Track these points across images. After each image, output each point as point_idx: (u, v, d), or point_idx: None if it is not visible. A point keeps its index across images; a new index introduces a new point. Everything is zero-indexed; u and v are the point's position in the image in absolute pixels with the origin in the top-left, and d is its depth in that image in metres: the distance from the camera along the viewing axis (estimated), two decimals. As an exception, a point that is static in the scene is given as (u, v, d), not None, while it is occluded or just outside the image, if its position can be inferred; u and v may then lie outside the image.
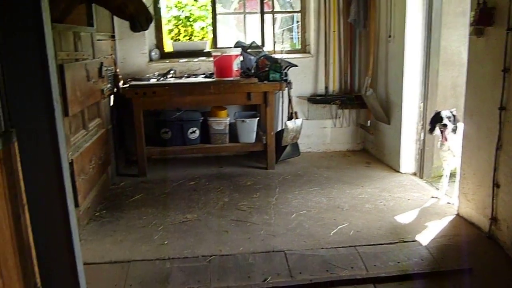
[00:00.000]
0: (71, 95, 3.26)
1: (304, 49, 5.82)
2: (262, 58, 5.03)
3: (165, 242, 3.29)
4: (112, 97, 4.77)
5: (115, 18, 4.93)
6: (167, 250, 3.17)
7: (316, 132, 5.74)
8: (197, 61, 5.54)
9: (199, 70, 5.48)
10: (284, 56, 5.43)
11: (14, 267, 2.16)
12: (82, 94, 3.54)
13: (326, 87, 5.61)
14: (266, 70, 4.89)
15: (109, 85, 4.54)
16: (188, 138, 5.10)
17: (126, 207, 4.02)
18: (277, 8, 6.31)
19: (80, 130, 3.66)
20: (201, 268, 2.93)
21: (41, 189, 2.21)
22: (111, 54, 4.95)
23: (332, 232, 3.41)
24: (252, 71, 5.01)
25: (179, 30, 6.46)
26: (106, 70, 4.42)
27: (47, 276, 2.37)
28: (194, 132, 5.08)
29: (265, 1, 5.68)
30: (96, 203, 3.96)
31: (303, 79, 5.56)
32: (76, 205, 3.20)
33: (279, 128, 5.30)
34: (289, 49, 6.01)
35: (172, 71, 5.23)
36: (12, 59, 2.07)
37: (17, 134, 2.16)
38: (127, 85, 4.77)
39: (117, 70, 4.98)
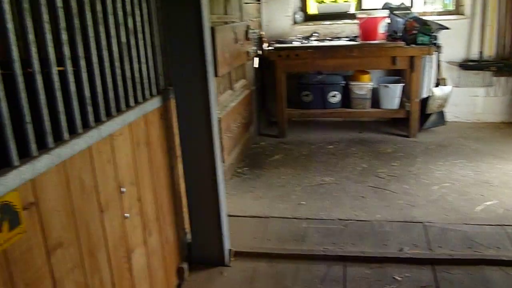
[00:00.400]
0: (221, 56, 3.43)
1: (457, 10, 5.37)
2: (410, 20, 4.76)
3: (302, 202, 3.38)
4: (256, 59, 4.92)
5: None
6: (304, 210, 3.25)
7: (465, 100, 5.33)
8: (341, 24, 5.43)
9: (343, 33, 5.37)
10: (435, 18, 5.07)
11: (168, 212, 2.40)
12: (230, 56, 3.71)
13: (481, 52, 5.13)
14: (414, 33, 4.62)
15: (254, 48, 4.68)
16: (329, 102, 5.08)
17: (266, 165, 4.18)
18: (430, -35, 5.88)
19: (227, 90, 3.86)
20: (337, 231, 2.96)
21: (192, 143, 2.40)
22: (257, 17, 5.08)
23: (478, 208, 3.19)
24: (399, 34, 4.78)
25: (324, -8, 6.37)
26: (252, 32, 4.55)
27: (195, 223, 2.60)
28: (335, 96, 5.04)
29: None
30: (238, 160, 4.19)
31: (455, 43, 5.15)
32: (221, 160, 3.41)
33: (425, 95, 5.02)
34: (440, 10, 5.59)
35: (315, 34, 5.21)
36: (172, 23, 2.23)
37: (174, 92, 2.35)
38: (271, 48, 4.87)
39: (262, 33, 5.10)
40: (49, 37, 1.42)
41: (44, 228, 1.34)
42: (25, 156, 1.31)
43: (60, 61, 1.49)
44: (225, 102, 3.74)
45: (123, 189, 1.85)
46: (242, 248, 2.74)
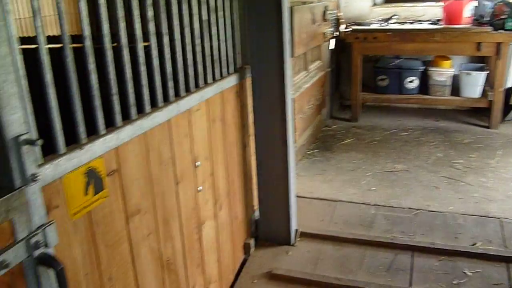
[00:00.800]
0: (297, 37, 3.41)
1: (555, -6, 4.98)
2: (500, 3, 4.47)
3: (372, 189, 3.33)
4: (333, 40, 4.84)
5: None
6: (374, 197, 3.21)
7: (557, 92, 4.97)
8: (423, 6, 5.21)
9: (424, 16, 5.16)
10: (528, 1, 4.74)
11: (238, 188, 2.45)
12: (306, 36, 3.68)
13: None
14: (503, 17, 4.34)
15: (331, 29, 4.61)
16: (405, 87, 4.92)
17: (337, 149, 4.15)
18: None
19: (301, 71, 3.85)
20: (406, 220, 2.90)
21: (266, 123, 2.42)
22: (335, -2, 4.99)
23: (562, 207, 3.00)
24: (486, 18, 4.51)
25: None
26: (330, 13, 4.48)
27: (263, 201, 2.64)
28: (412, 81, 4.88)
29: None
30: (309, 142, 4.18)
31: (549, 29, 4.80)
32: (293, 141, 3.43)
33: (510, 85, 4.73)
34: (535, -7, 5.21)
35: (395, 16, 5.05)
36: (252, 2, 2.25)
37: (250, 70, 2.38)
38: (348, 29, 4.78)
39: (340, 14, 5.00)
40: (136, 13, 1.48)
41: (125, 194, 1.42)
42: (110, 125, 1.39)
43: (145, 37, 1.56)
44: (299, 83, 3.73)
45: (197, 163, 1.91)
46: (308, 229, 2.76)
